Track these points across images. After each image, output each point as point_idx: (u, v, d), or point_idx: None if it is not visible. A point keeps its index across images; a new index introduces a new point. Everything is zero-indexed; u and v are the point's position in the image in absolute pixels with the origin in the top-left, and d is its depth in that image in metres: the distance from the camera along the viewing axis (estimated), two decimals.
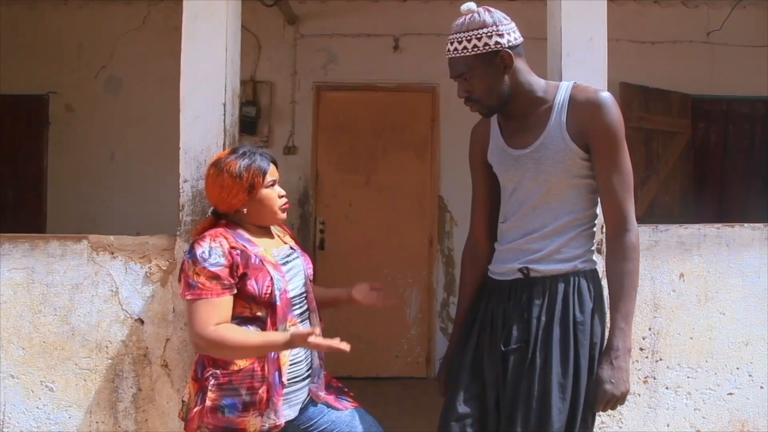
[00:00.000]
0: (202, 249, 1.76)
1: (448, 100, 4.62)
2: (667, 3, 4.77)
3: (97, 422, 2.16)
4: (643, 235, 1.73)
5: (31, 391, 2.16)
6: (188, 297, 1.75)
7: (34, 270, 2.18)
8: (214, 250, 1.76)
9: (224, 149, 2.17)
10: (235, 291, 1.78)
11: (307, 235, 4.66)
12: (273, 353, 1.77)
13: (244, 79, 4.49)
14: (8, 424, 2.16)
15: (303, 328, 1.73)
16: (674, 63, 4.69)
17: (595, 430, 1.75)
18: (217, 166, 1.85)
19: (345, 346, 1.69)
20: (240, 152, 1.86)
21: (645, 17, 4.74)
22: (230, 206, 1.85)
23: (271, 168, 1.88)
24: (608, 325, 1.76)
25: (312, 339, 1.68)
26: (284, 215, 1.93)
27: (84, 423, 2.16)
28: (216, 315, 1.73)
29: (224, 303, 1.75)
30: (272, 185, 1.88)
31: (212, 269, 1.74)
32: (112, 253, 2.18)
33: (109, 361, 2.16)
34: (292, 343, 1.71)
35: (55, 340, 2.16)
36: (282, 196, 1.91)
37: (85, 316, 2.16)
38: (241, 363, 1.77)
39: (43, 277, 2.17)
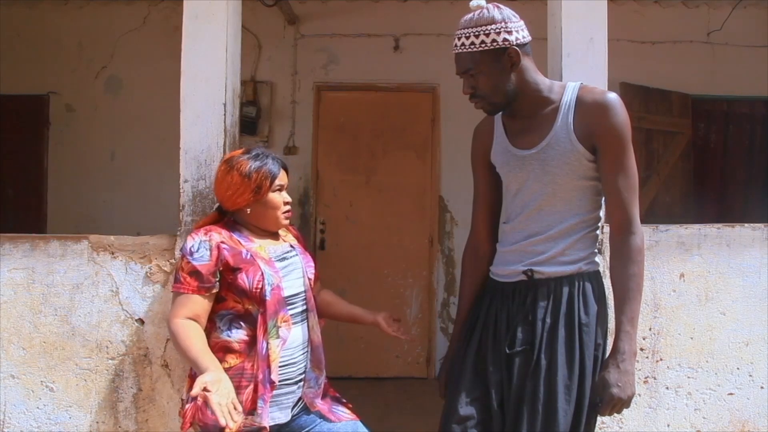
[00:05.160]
0: (191, 243, 1.81)
1: (449, 100, 4.63)
2: (668, 3, 4.77)
3: (97, 422, 2.16)
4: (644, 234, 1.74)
5: (32, 391, 2.16)
6: (172, 289, 1.83)
7: (35, 270, 2.17)
8: (203, 244, 1.80)
9: (224, 149, 2.18)
10: (215, 291, 1.80)
11: (308, 235, 4.65)
12: (263, 350, 1.77)
13: (244, 79, 4.49)
14: (8, 424, 2.16)
15: (209, 386, 1.60)
16: (674, 63, 4.69)
17: (595, 430, 1.75)
18: (228, 163, 1.88)
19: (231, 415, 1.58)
20: (253, 153, 1.89)
21: (645, 17, 4.74)
22: (235, 204, 1.88)
23: (281, 173, 1.90)
24: (610, 325, 1.76)
25: (205, 394, 1.57)
26: (286, 222, 1.94)
27: (84, 423, 2.16)
28: (187, 309, 1.77)
29: (197, 301, 1.78)
30: (279, 190, 1.89)
31: (195, 263, 1.78)
32: (113, 254, 2.18)
33: (110, 361, 2.16)
34: (202, 377, 1.62)
35: (56, 340, 2.16)
36: (287, 203, 1.92)
37: (85, 316, 2.16)
38: (232, 360, 1.78)
39: (43, 277, 2.17)
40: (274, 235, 1.96)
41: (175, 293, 1.81)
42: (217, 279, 1.79)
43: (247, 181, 1.84)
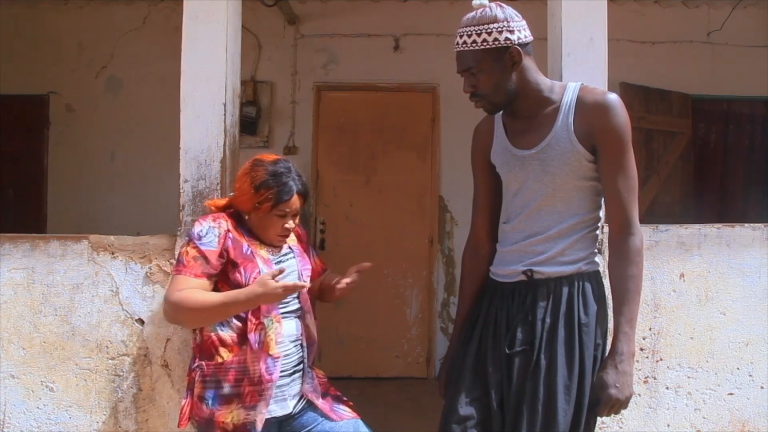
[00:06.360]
0: (200, 227, 1.82)
1: (449, 100, 4.63)
2: (667, 3, 4.77)
3: (97, 422, 2.16)
4: (643, 235, 1.74)
5: (32, 391, 2.16)
6: (173, 271, 1.82)
7: (35, 270, 2.17)
8: (211, 230, 1.81)
9: (224, 149, 2.18)
10: (215, 280, 1.80)
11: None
12: (256, 344, 1.77)
13: (244, 79, 4.49)
14: (8, 424, 2.16)
15: (267, 278, 1.73)
16: (674, 63, 4.69)
17: (595, 430, 1.75)
18: (253, 164, 1.87)
19: (306, 284, 1.77)
20: (276, 168, 1.84)
21: (645, 17, 4.74)
22: (237, 205, 1.90)
23: (292, 200, 1.84)
24: (609, 325, 1.76)
25: (273, 286, 1.70)
26: (279, 243, 1.92)
27: (84, 423, 2.16)
28: (186, 288, 1.75)
29: (198, 284, 1.77)
30: (281, 215, 1.85)
31: (203, 248, 1.78)
32: (113, 254, 2.18)
33: (110, 361, 2.16)
34: (256, 298, 1.72)
35: (56, 340, 2.16)
36: (287, 228, 1.88)
37: (85, 316, 2.16)
38: (225, 354, 1.79)
39: (43, 277, 2.17)
40: None
41: (175, 274, 1.79)
42: (219, 269, 1.80)
43: (253, 191, 1.83)
